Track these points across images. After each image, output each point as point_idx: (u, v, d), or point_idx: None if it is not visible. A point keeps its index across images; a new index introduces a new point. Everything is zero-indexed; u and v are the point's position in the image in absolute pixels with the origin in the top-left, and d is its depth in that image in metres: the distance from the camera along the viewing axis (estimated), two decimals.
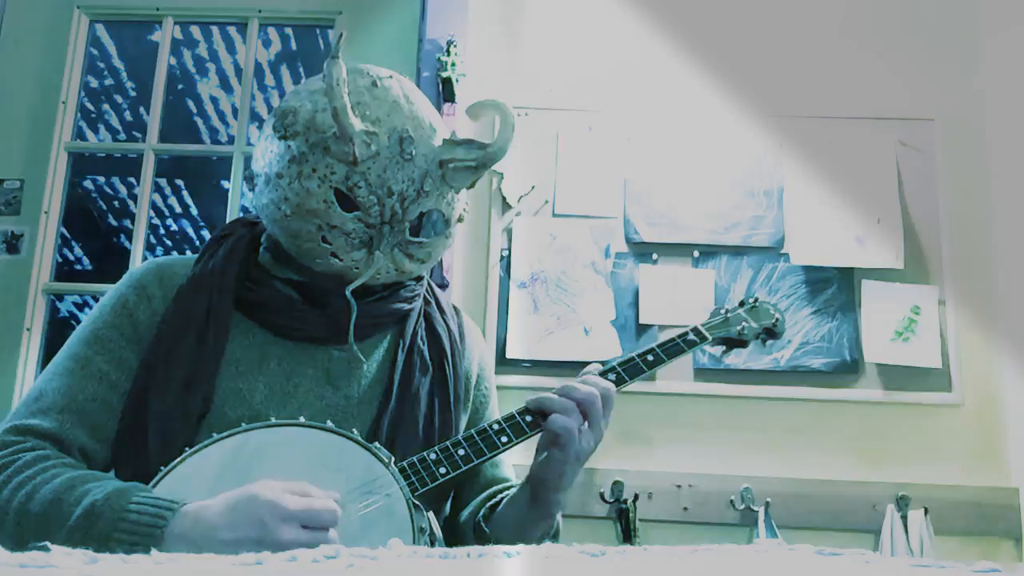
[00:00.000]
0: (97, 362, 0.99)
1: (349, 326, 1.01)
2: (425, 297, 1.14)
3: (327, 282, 1.03)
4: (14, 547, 0.44)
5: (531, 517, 1.00)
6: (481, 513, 1.04)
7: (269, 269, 1.06)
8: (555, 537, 1.06)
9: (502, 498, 1.06)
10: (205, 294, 1.02)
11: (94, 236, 4.89)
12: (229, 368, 1.00)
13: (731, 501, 1.84)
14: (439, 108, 1.99)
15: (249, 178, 1.06)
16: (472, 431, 0.98)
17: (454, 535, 1.07)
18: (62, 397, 0.96)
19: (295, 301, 1.04)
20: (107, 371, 0.98)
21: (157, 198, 4.68)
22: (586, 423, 0.97)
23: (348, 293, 1.00)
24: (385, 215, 0.99)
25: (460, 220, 1.08)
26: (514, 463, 1.16)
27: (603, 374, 1.03)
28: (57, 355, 1.02)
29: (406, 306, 1.09)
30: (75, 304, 5.03)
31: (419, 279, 1.14)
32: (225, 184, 2.51)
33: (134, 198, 4.48)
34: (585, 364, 1.07)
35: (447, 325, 1.13)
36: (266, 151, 1.02)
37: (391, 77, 1.05)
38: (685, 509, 1.84)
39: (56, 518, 0.82)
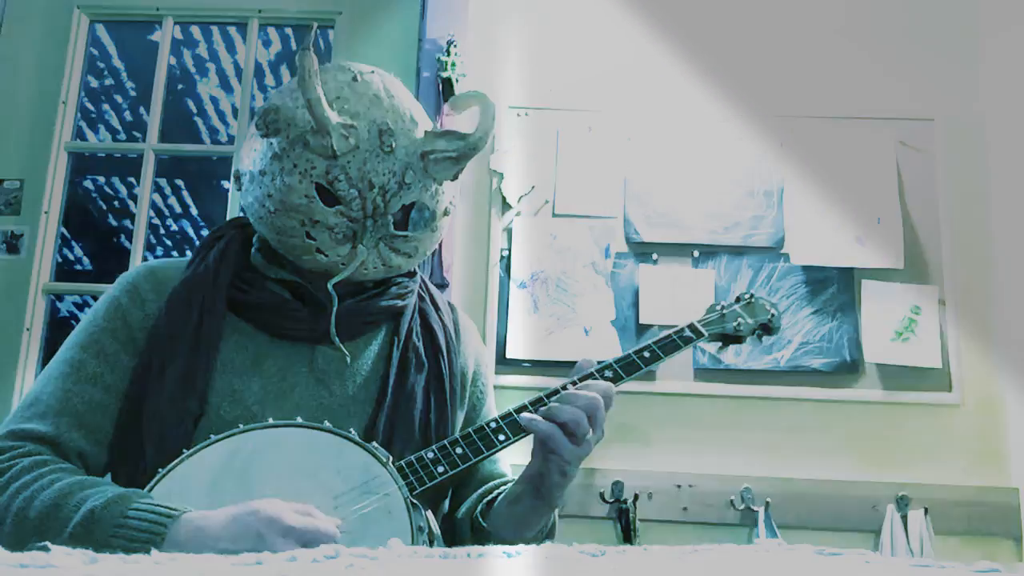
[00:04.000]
0: (92, 365, 0.99)
1: (331, 319, 1.01)
2: (420, 294, 1.14)
3: (318, 281, 1.03)
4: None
5: (533, 512, 0.99)
6: (478, 509, 1.04)
7: (261, 270, 1.06)
8: (552, 532, 1.06)
9: (498, 494, 1.05)
10: (198, 296, 1.02)
11: (94, 236, 4.89)
12: (224, 369, 1.00)
13: (731, 501, 1.84)
14: (439, 108, 1.98)
15: (236, 177, 1.07)
16: (470, 429, 0.98)
17: (452, 532, 1.07)
18: (58, 401, 0.96)
19: (287, 301, 1.04)
20: (102, 374, 0.98)
21: (157, 198, 4.68)
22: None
23: (330, 287, 1.00)
24: (367, 208, 0.99)
25: (447, 213, 1.08)
26: (512, 462, 1.16)
27: (600, 372, 1.02)
28: (52, 360, 1.02)
29: (400, 303, 1.09)
30: (75, 304, 5.03)
31: (412, 275, 1.14)
32: (225, 184, 2.51)
33: (134, 198, 4.48)
34: None
35: (442, 322, 1.13)
36: (250, 150, 1.03)
37: (373, 72, 1.05)
38: (685, 509, 1.84)
39: (54, 524, 0.82)
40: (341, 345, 1.02)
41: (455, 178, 1.07)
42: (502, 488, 1.07)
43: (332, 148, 0.96)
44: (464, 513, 1.07)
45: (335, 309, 1.01)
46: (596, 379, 1.01)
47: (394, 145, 0.99)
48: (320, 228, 0.98)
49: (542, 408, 0.96)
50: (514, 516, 1.00)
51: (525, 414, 0.96)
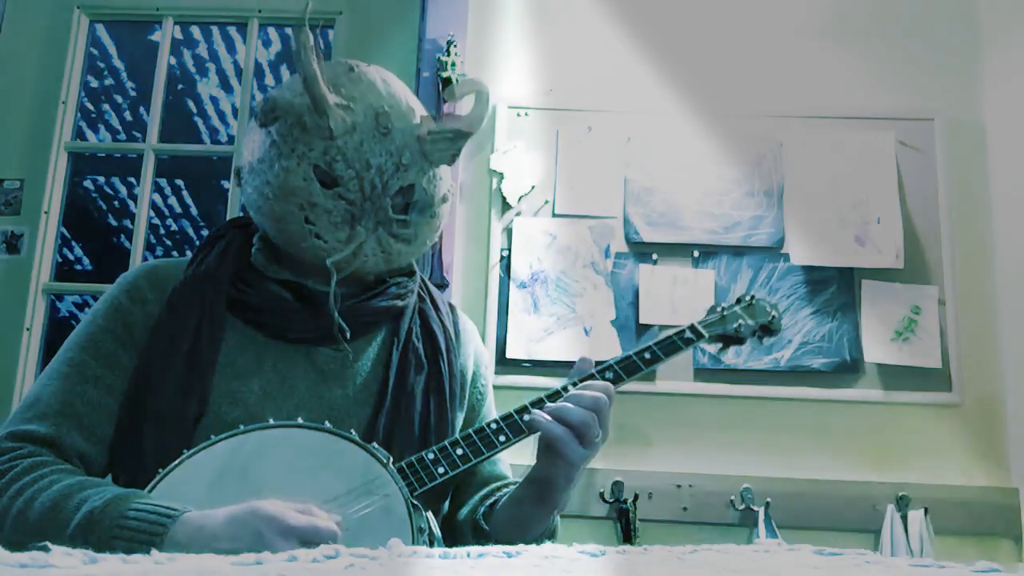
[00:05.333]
0: (92, 366, 0.99)
1: (332, 302, 1.00)
2: (420, 294, 1.14)
3: (319, 279, 1.03)
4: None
5: (536, 514, 0.99)
6: (480, 511, 1.04)
7: (262, 270, 1.06)
8: (553, 535, 1.06)
9: (500, 496, 1.05)
10: (199, 296, 1.02)
11: (94, 236, 4.89)
12: (224, 370, 0.99)
13: (731, 501, 1.84)
14: (439, 108, 1.99)
15: (237, 174, 1.07)
16: (470, 430, 0.97)
17: (452, 533, 1.07)
18: (58, 402, 0.96)
19: (288, 302, 1.04)
20: (102, 375, 0.98)
21: (157, 198, 4.68)
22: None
23: (330, 263, 0.99)
24: (365, 190, 0.99)
25: (445, 200, 1.08)
26: (512, 462, 1.16)
27: (600, 372, 1.02)
28: (52, 360, 1.02)
29: (400, 303, 1.09)
30: (75, 304, 5.04)
31: (411, 275, 1.14)
32: (225, 184, 2.51)
33: (134, 198, 4.48)
34: None
35: (442, 323, 1.13)
36: (250, 143, 1.04)
37: (370, 66, 1.07)
38: (685, 509, 1.84)
39: (54, 526, 0.82)
40: (343, 334, 1.02)
41: (451, 161, 1.07)
42: (503, 490, 1.06)
43: (329, 128, 0.97)
44: (466, 515, 1.07)
45: (333, 282, 1.00)
46: (596, 380, 1.01)
47: (391, 127, 1.00)
48: (318, 211, 0.99)
49: (548, 406, 0.95)
50: (516, 518, 1.00)
51: (536, 413, 0.95)
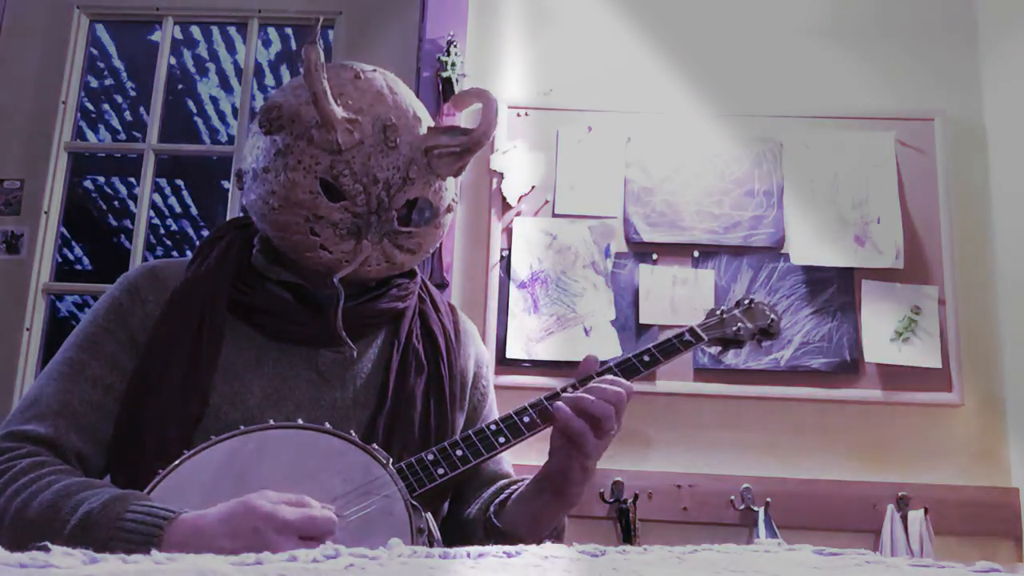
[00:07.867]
0: (92, 366, 0.98)
1: (337, 313, 1.01)
2: (420, 296, 1.14)
3: (320, 282, 1.03)
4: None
5: (550, 510, 1.00)
6: (491, 509, 1.04)
7: (262, 271, 1.06)
8: (562, 532, 1.06)
9: (511, 493, 1.05)
10: (199, 297, 1.02)
11: (94, 236, 4.89)
12: (224, 371, 0.99)
13: (731, 501, 1.84)
14: (439, 108, 1.98)
15: (238, 176, 1.06)
16: (470, 432, 0.97)
17: (461, 532, 1.07)
18: (57, 402, 0.96)
19: (288, 303, 1.04)
20: (102, 375, 0.98)
21: (157, 198, 4.68)
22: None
23: (336, 280, 1.00)
24: (371, 204, 0.99)
25: (450, 210, 1.08)
26: (515, 462, 1.17)
27: (599, 374, 1.03)
28: (52, 360, 1.02)
29: (400, 304, 1.09)
30: (75, 304, 5.04)
31: (413, 276, 1.14)
32: (225, 184, 2.51)
33: (134, 198, 4.48)
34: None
35: (443, 324, 1.13)
36: (253, 147, 1.03)
37: (375, 71, 1.05)
38: (685, 509, 1.84)
39: (52, 527, 0.82)
40: (347, 339, 1.02)
41: (458, 174, 1.07)
42: (513, 488, 1.07)
43: (337, 143, 0.96)
44: (476, 513, 1.07)
45: (342, 299, 1.01)
46: (595, 381, 1.01)
47: (398, 141, 0.99)
48: (324, 224, 0.98)
49: (568, 396, 0.96)
50: (530, 514, 1.00)
51: (559, 405, 0.96)
